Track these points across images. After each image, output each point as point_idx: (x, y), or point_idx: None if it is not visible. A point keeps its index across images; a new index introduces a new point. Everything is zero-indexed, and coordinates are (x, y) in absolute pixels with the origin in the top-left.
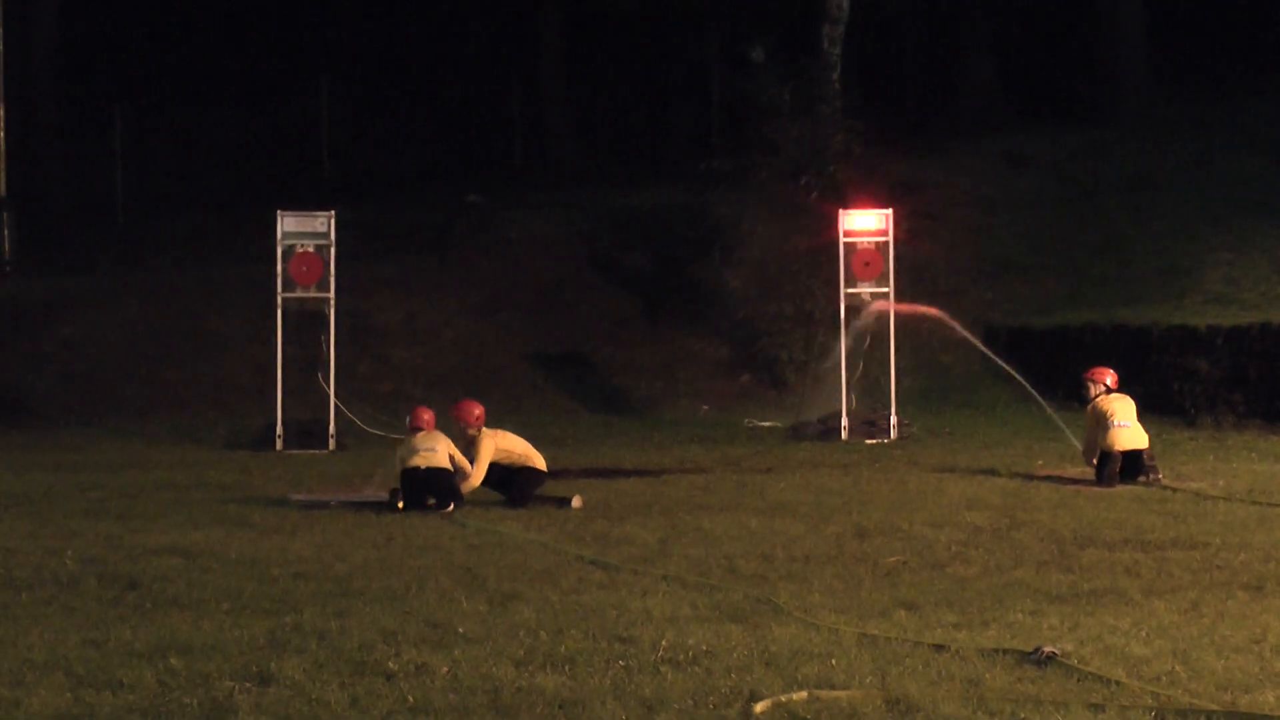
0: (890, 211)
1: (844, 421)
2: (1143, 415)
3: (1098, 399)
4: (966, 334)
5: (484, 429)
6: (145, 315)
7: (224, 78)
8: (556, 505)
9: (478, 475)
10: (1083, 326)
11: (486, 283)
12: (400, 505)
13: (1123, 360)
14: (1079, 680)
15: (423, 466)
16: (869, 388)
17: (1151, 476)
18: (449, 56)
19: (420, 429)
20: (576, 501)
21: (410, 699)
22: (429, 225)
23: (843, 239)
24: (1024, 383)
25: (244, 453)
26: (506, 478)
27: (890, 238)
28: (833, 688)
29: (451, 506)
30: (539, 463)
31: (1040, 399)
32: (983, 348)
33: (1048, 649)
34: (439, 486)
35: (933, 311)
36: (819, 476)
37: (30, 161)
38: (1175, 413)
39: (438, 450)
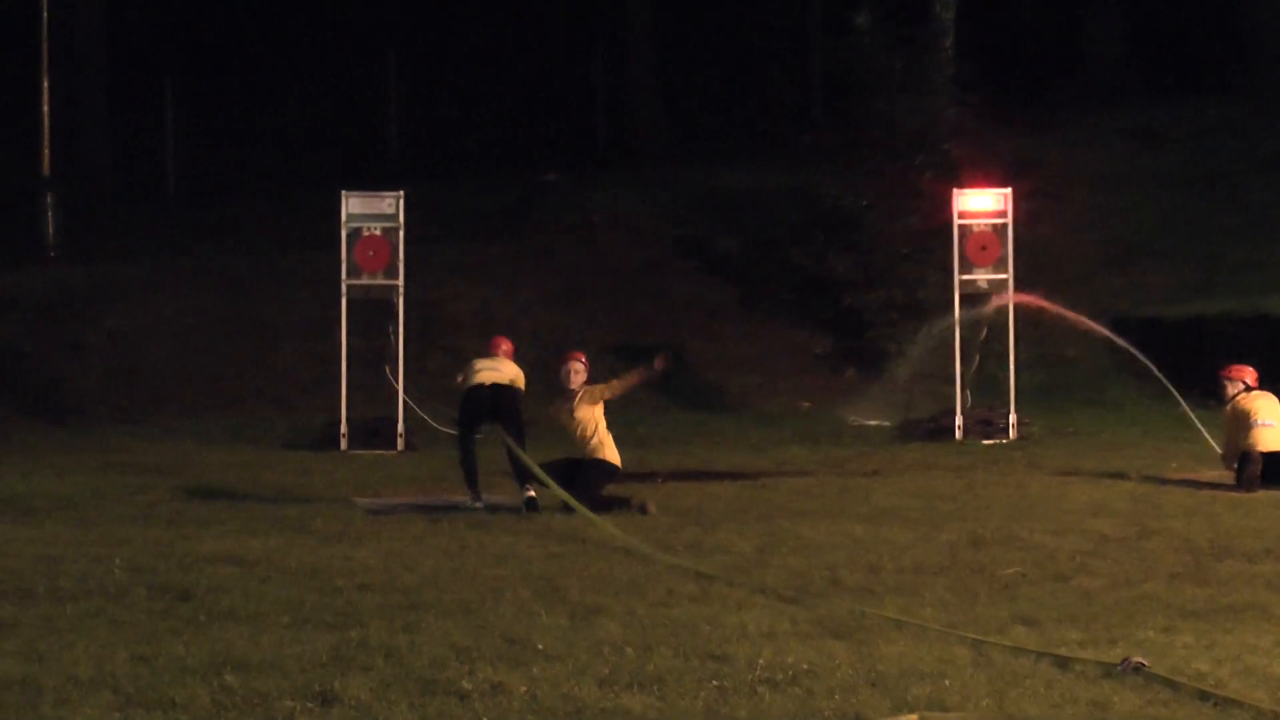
0: (1009, 191)
1: (958, 420)
2: None
3: (1237, 397)
4: (1094, 326)
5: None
6: (198, 305)
7: (284, 49)
8: (627, 509)
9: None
10: (1219, 317)
11: (567, 269)
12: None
13: (1263, 354)
14: (1215, 705)
15: (487, 383)
16: (985, 384)
17: None
18: (526, 24)
19: (492, 354)
20: (651, 507)
21: None
22: (504, 207)
23: (957, 221)
24: (1159, 374)
25: (304, 453)
26: (572, 470)
27: (1009, 220)
28: (945, 709)
29: (531, 492)
30: (613, 455)
31: (1176, 394)
32: (1116, 338)
33: (1135, 659)
34: (505, 408)
35: (1046, 305)
36: (930, 480)
37: (76, 139)
38: None
39: (502, 370)
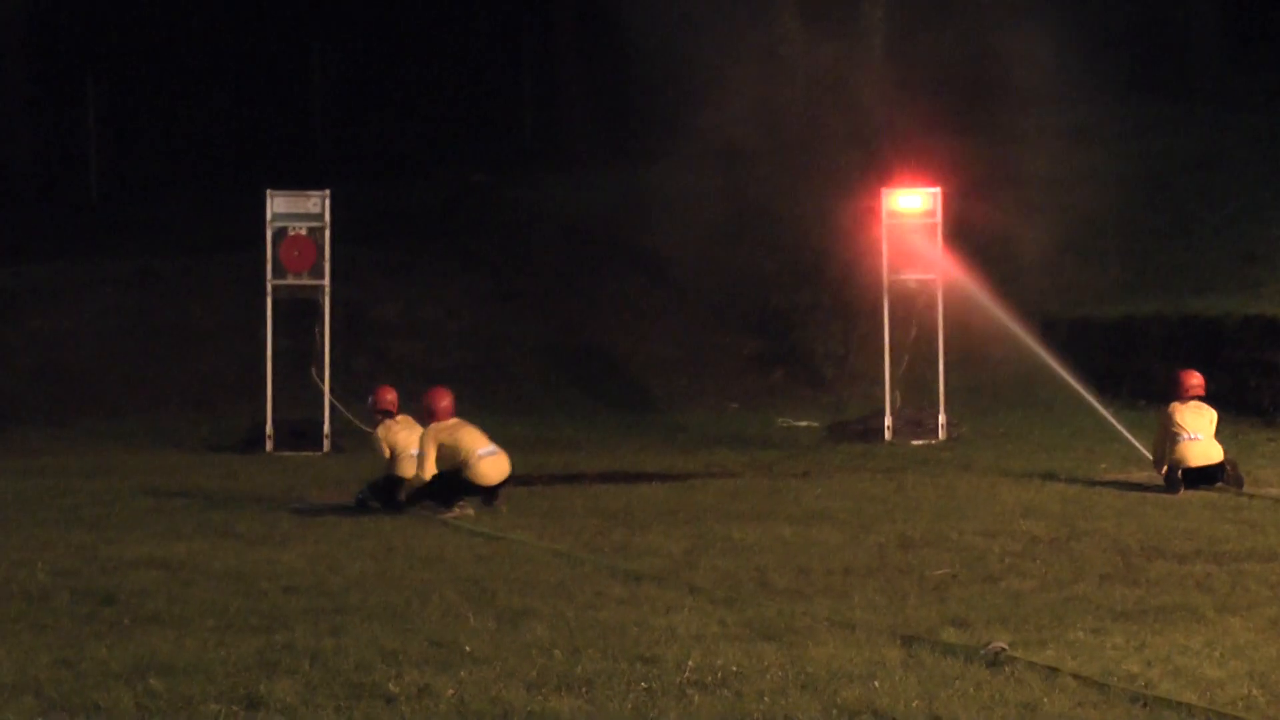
0: (938, 190)
1: (887, 421)
2: (1217, 414)
3: (1170, 406)
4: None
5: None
6: (121, 306)
7: (208, 46)
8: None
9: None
10: (1149, 317)
11: (494, 270)
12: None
13: (1193, 354)
14: (1145, 706)
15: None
16: (915, 384)
17: (1230, 484)
18: (452, 22)
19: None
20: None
21: None
22: (431, 207)
23: (886, 220)
24: (1076, 384)
25: (230, 455)
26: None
27: (939, 219)
28: (875, 712)
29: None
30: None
31: (1095, 402)
32: (1037, 347)
33: (996, 644)
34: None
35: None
36: (859, 481)
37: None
38: (1252, 411)
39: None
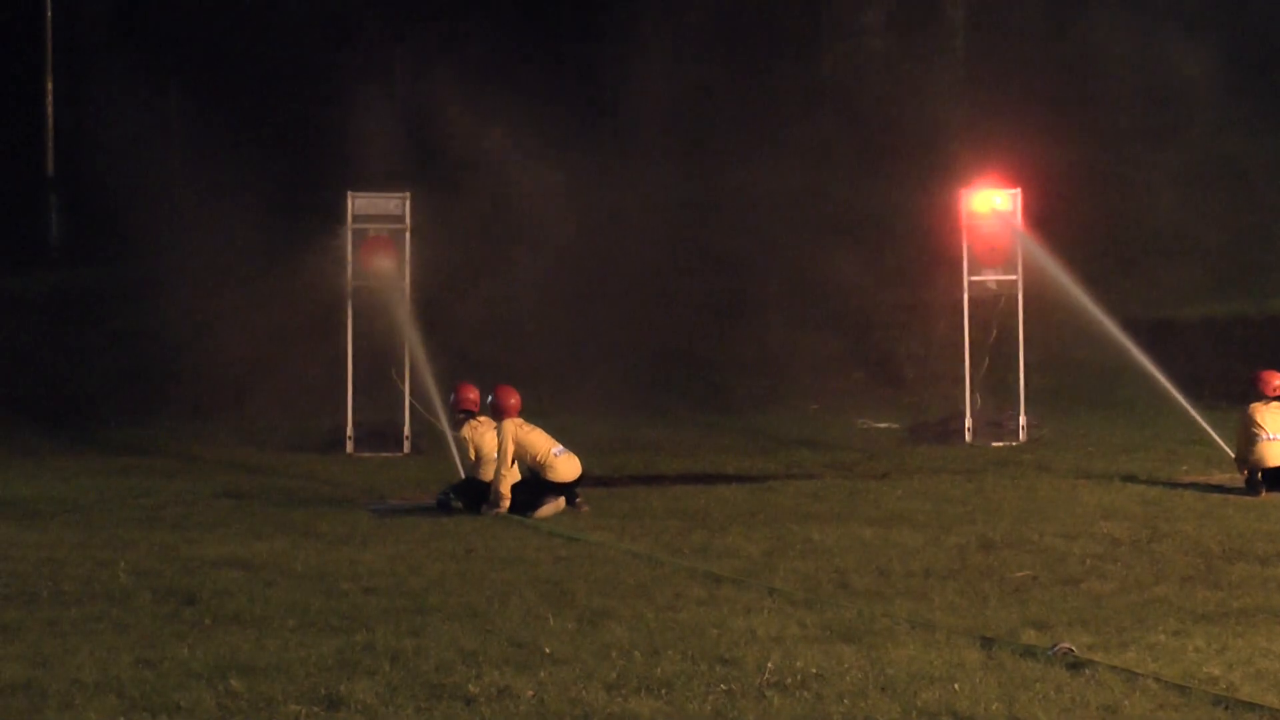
0: (1018, 191)
1: (967, 422)
2: None
3: (1250, 406)
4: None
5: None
6: (202, 307)
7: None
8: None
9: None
10: (1230, 318)
11: (569, 270)
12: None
13: (1275, 355)
14: (1227, 709)
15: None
16: (995, 385)
17: None
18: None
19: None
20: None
21: None
22: (511, 205)
23: (966, 222)
24: (1167, 383)
25: (310, 456)
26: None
27: (1018, 220)
28: (955, 715)
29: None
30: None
31: (1185, 402)
32: (1127, 342)
33: (1064, 645)
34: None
35: None
36: (939, 483)
37: (81, 138)
38: None
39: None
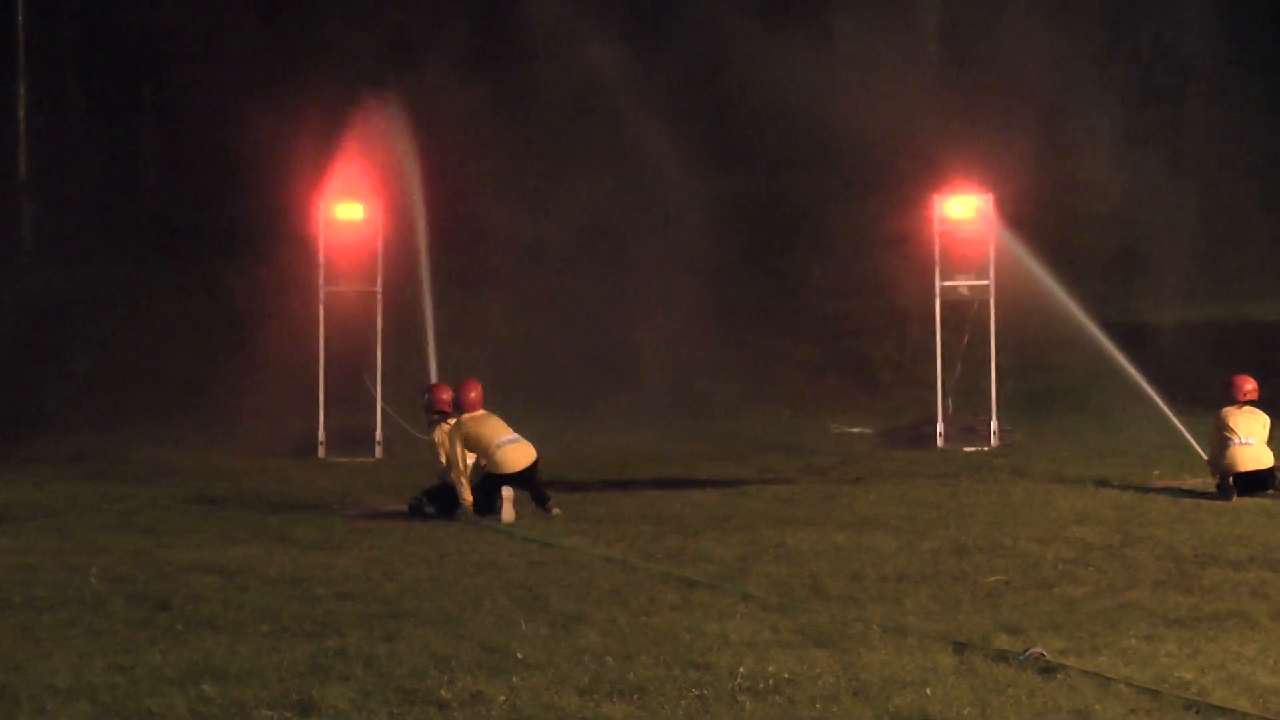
0: (991, 196)
1: (940, 427)
2: (1270, 420)
3: (1224, 410)
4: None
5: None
6: (176, 311)
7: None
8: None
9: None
10: (1204, 323)
11: (547, 275)
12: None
13: (1250, 360)
14: (1198, 713)
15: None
16: (968, 390)
17: (1278, 491)
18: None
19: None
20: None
21: None
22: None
23: (938, 227)
24: (1147, 387)
25: (284, 461)
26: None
27: (991, 225)
28: (928, 718)
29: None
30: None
31: (1165, 408)
32: (1108, 345)
33: (1036, 650)
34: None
35: None
36: (913, 488)
37: (55, 143)
38: None
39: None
